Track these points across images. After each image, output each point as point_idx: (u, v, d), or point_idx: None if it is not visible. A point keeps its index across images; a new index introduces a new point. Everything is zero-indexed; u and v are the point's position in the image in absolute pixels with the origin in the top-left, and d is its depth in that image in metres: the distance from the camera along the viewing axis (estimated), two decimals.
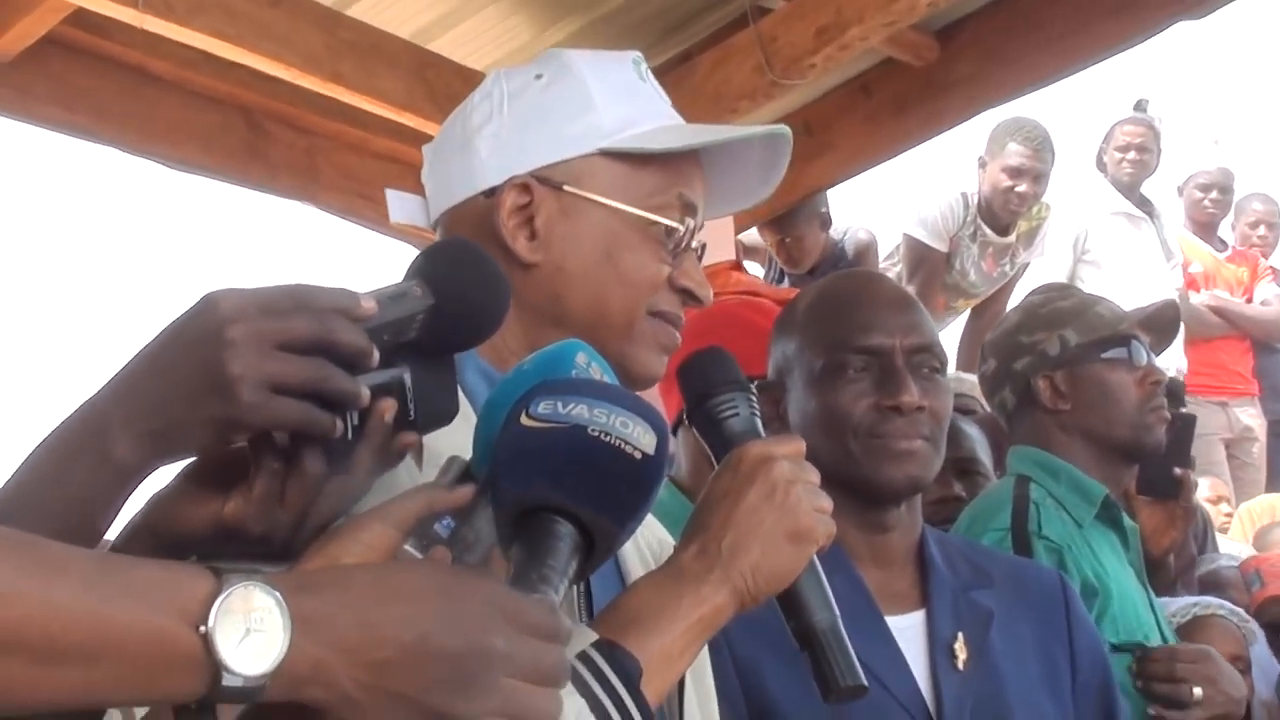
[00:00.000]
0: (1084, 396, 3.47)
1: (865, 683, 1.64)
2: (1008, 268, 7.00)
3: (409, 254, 5.46)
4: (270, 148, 5.11)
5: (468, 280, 1.57)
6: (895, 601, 2.53)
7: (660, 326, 1.86)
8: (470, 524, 1.46)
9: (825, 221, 6.71)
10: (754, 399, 1.80)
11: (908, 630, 2.51)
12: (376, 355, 1.44)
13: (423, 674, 1.17)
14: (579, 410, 1.38)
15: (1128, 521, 3.52)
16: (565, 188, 1.86)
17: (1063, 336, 3.50)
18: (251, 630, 1.11)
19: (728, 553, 1.65)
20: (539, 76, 1.92)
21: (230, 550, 1.51)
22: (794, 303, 2.74)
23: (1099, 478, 3.44)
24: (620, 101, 1.89)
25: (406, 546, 1.44)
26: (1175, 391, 3.62)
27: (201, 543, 1.51)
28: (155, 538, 1.51)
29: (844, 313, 2.58)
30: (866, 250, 7.11)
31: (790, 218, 6.42)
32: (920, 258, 6.91)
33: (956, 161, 7.06)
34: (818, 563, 1.70)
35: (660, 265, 1.84)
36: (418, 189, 5.07)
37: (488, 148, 1.90)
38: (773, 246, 6.71)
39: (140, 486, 1.46)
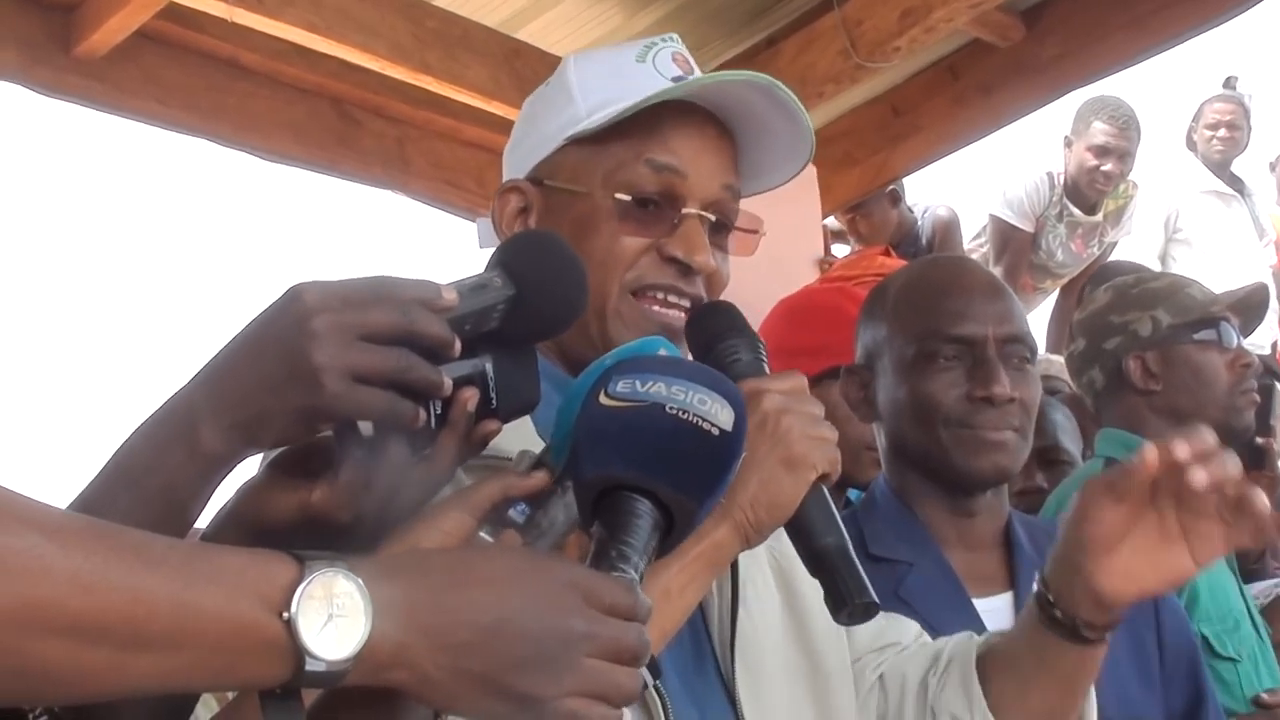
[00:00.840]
0: (1175, 377, 3.46)
1: (876, 599, 1.63)
2: (1095, 248, 6.94)
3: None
4: (360, 137, 5.15)
5: (547, 270, 1.59)
6: (983, 584, 2.55)
7: (643, 308, 1.85)
8: (545, 511, 1.48)
9: (895, 197, 6.68)
10: (759, 345, 1.80)
11: (996, 612, 2.51)
12: (458, 345, 1.45)
13: (502, 655, 1.19)
14: (657, 388, 1.38)
15: None
16: (545, 183, 1.91)
17: (1155, 317, 3.49)
18: (334, 616, 1.13)
19: None
20: (547, 84, 1.98)
21: (317, 538, 1.51)
22: (883, 287, 2.74)
23: None
24: (598, 89, 1.91)
25: (481, 533, 1.46)
26: (1269, 367, 3.59)
27: (289, 531, 1.53)
28: (244, 526, 1.54)
29: (936, 300, 2.58)
30: (946, 228, 7.08)
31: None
32: (1006, 238, 6.88)
33: (1043, 141, 7.02)
34: (825, 490, 1.70)
35: (630, 240, 1.85)
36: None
37: (507, 160, 2.00)
38: (845, 224, 6.68)
39: (230, 475, 1.49)
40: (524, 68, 5.00)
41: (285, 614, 1.12)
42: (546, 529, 1.48)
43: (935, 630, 2.41)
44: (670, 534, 1.38)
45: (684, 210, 1.86)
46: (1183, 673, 2.64)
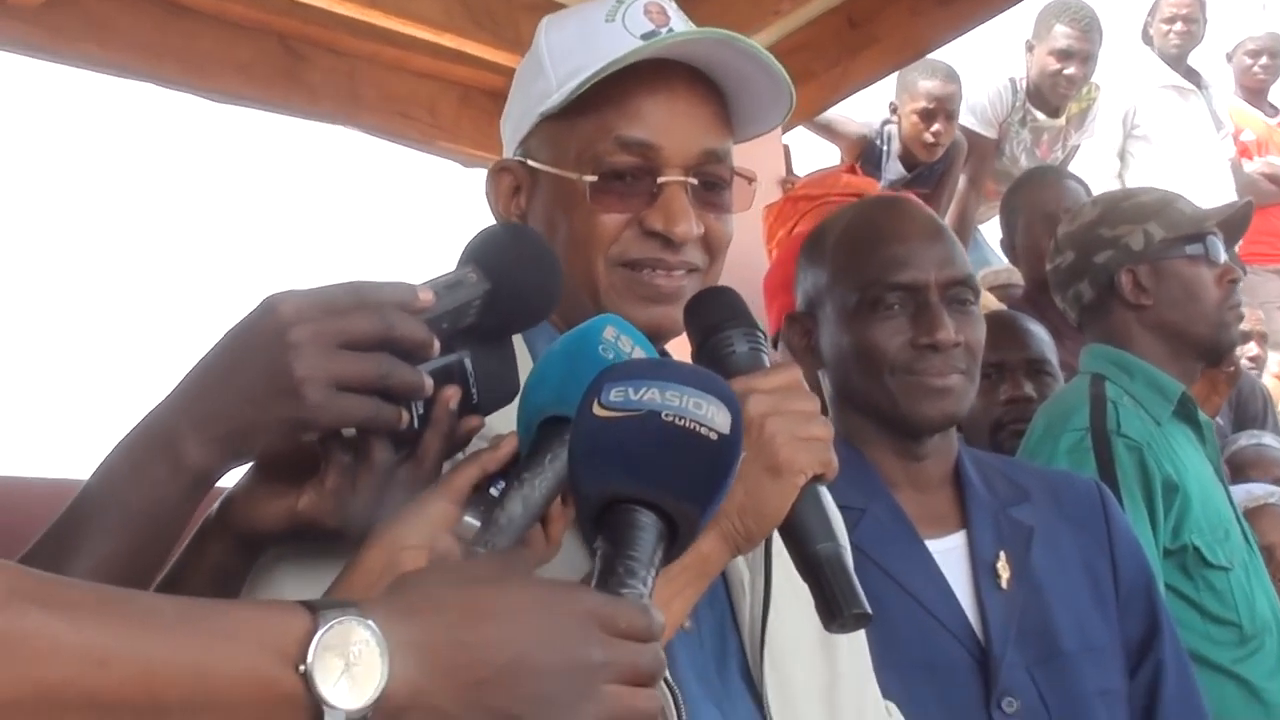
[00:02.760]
0: (1167, 292, 3.47)
1: (869, 610, 1.60)
2: (1059, 152, 6.93)
3: (453, 171, 5.43)
4: (309, 73, 5.03)
5: (521, 263, 1.61)
6: (936, 524, 2.58)
7: (633, 276, 1.81)
8: (502, 507, 1.48)
9: None
10: (757, 334, 1.76)
11: (950, 553, 2.55)
12: (437, 345, 1.47)
13: (522, 691, 1.18)
14: (651, 395, 1.36)
15: (1203, 417, 3.51)
16: (528, 162, 1.88)
17: (1147, 231, 3.49)
18: (350, 664, 1.12)
19: None
20: (529, 52, 1.93)
21: (305, 542, 1.57)
22: (821, 231, 2.74)
23: (1174, 374, 3.43)
24: (567, 57, 1.86)
25: (466, 518, 1.49)
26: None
27: (277, 537, 1.57)
28: (230, 534, 1.57)
29: (877, 247, 2.58)
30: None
31: None
32: (970, 146, 6.82)
33: (1005, 47, 6.97)
34: (821, 490, 1.67)
35: (608, 216, 1.81)
36: (458, 106, 5.05)
37: (502, 134, 1.99)
38: None
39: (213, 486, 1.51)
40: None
41: (301, 667, 1.11)
42: (505, 525, 1.47)
43: (889, 575, 2.42)
44: (675, 543, 1.36)
45: (660, 180, 1.80)
46: (1138, 600, 2.67)
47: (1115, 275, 3.50)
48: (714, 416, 1.35)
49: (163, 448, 1.45)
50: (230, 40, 4.87)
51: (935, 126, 6.48)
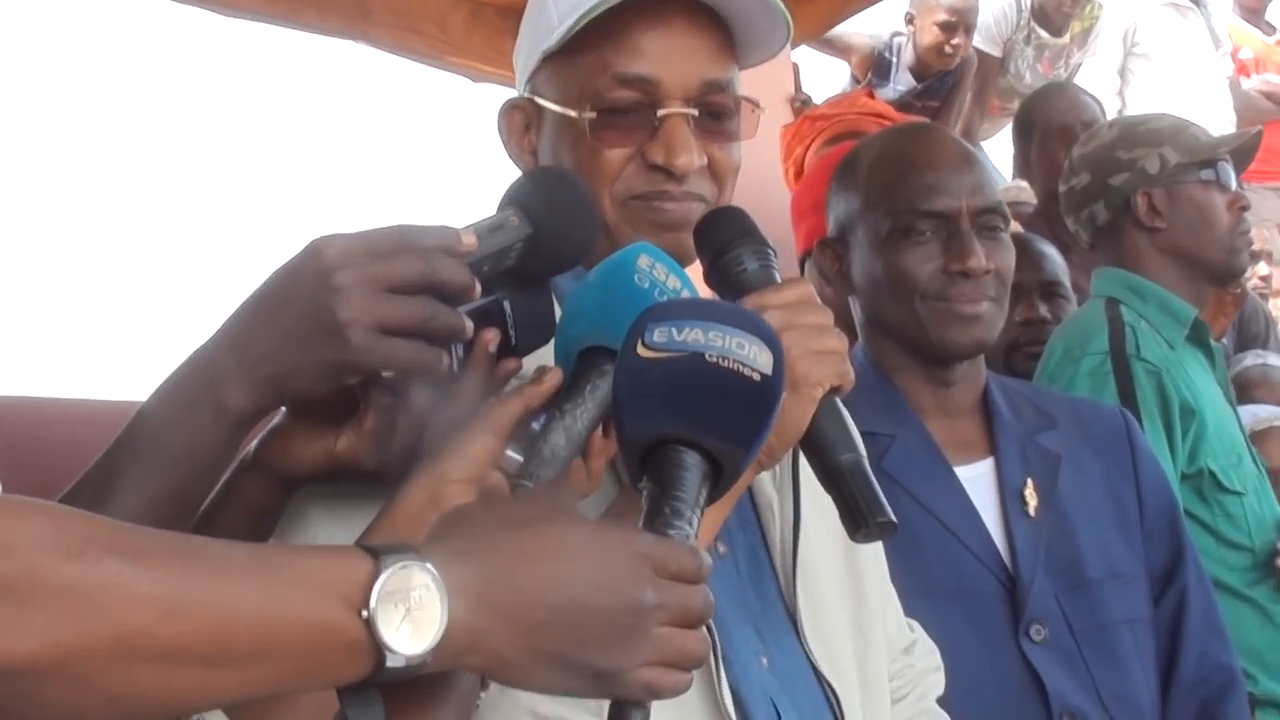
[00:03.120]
0: (1181, 215, 3.50)
1: (894, 518, 1.62)
2: (1062, 69, 6.94)
3: (462, 87, 5.41)
4: None
5: (562, 208, 1.62)
6: (964, 451, 2.61)
7: (642, 206, 1.82)
8: (545, 439, 1.48)
9: None
10: (767, 251, 1.76)
11: (978, 480, 2.58)
12: (479, 288, 1.48)
13: (578, 633, 1.19)
14: (694, 335, 1.35)
15: (1213, 341, 3.54)
16: (536, 100, 1.88)
17: (1162, 155, 3.52)
18: (411, 609, 1.13)
19: None
20: None
21: (339, 483, 1.58)
22: (854, 156, 2.74)
23: (1185, 297, 3.46)
24: None
25: (509, 452, 1.48)
26: None
27: (314, 477, 1.58)
28: (267, 473, 1.58)
29: (909, 174, 2.59)
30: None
31: None
32: (975, 63, 6.82)
33: None
34: (838, 402, 1.68)
35: (611, 152, 1.81)
36: (468, 21, 5.04)
37: (515, 68, 1.97)
38: None
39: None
40: None
41: (364, 612, 1.12)
42: (549, 457, 1.47)
43: (919, 502, 2.44)
44: (719, 482, 1.36)
45: (660, 112, 1.80)
46: (1162, 528, 2.71)
47: (1131, 197, 3.53)
48: (756, 357, 1.35)
49: (206, 389, 1.46)
50: None
51: (955, 39, 6.49)
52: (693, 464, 1.33)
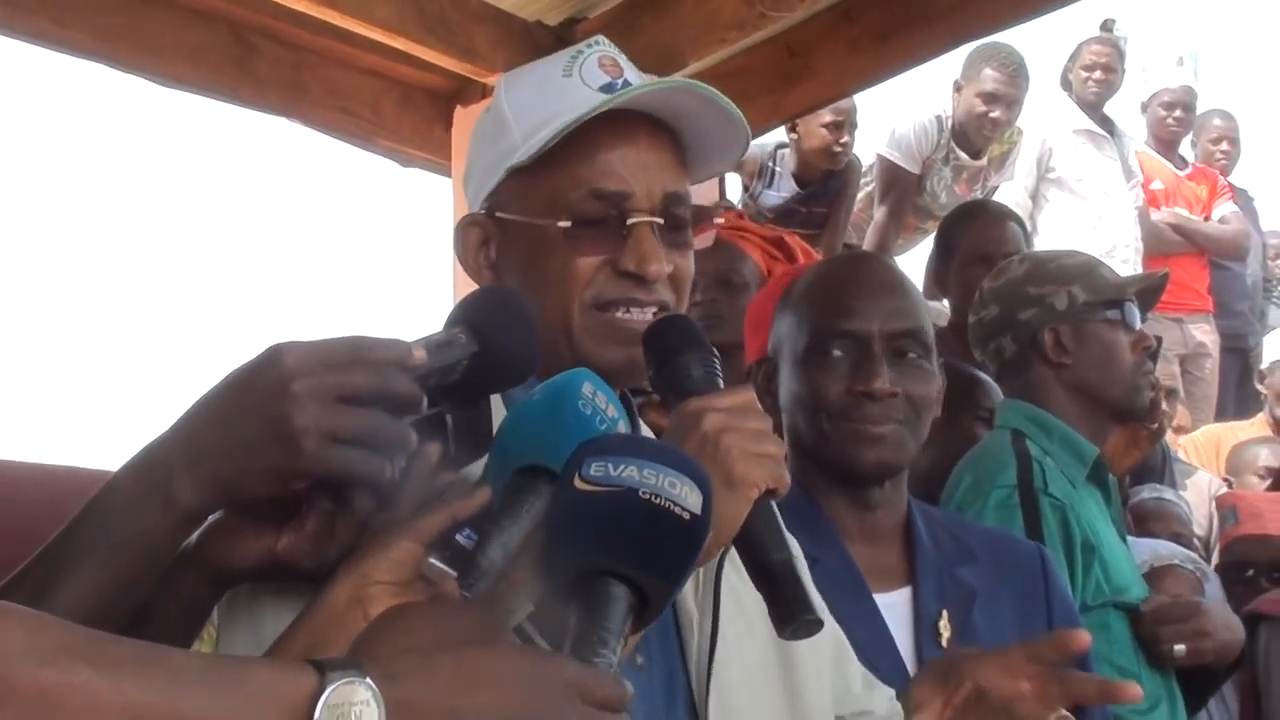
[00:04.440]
0: (1086, 353, 3.58)
1: (821, 617, 1.67)
2: (979, 191, 7.02)
3: (390, 170, 5.47)
4: (257, 63, 5.05)
5: (507, 328, 1.69)
6: (883, 578, 2.64)
7: (607, 318, 1.89)
8: (484, 551, 1.54)
9: None
10: (712, 360, 1.83)
11: (895, 607, 2.61)
12: (425, 402, 1.54)
13: None
14: (630, 472, 1.40)
15: (1110, 478, 3.62)
16: (497, 214, 1.95)
17: (1071, 293, 3.60)
18: None
19: None
20: (486, 109, 2.01)
21: (277, 580, 1.63)
22: (794, 281, 2.82)
23: (1086, 434, 3.53)
24: (529, 112, 1.93)
25: (430, 560, 1.55)
26: (1155, 353, 3.72)
27: (252, 574, 1.63)
28: (204, 569, 1.62)
29: (831, 295, 2.66)
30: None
31: None
32: (892, 179, 6.94)
33: (934, 83, 7.08)
34: (772, 504, 1.73)
35: (583, 260, 1.88)
36: (403, 105, 5.10)
37: (464, 189, 2.05)
38: None
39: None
40: (429, 4, 4.92)
41: None
42: (486, 569, 1.53)
43: (839, 623, 2.49)
44: (644, 613, 1.42)
45: (629, 221, 1.88)
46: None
47: (1038, 332, 3.60)
48: (687, 496, 1.41)
49: (157, 483, 1.51)
50: (181, 25, 4.87)
51: (844, 138, 6.73)
52: (620, 596, 1.38)
